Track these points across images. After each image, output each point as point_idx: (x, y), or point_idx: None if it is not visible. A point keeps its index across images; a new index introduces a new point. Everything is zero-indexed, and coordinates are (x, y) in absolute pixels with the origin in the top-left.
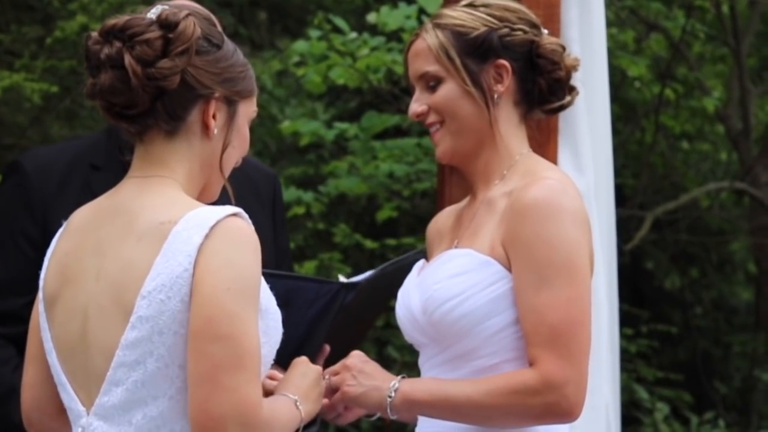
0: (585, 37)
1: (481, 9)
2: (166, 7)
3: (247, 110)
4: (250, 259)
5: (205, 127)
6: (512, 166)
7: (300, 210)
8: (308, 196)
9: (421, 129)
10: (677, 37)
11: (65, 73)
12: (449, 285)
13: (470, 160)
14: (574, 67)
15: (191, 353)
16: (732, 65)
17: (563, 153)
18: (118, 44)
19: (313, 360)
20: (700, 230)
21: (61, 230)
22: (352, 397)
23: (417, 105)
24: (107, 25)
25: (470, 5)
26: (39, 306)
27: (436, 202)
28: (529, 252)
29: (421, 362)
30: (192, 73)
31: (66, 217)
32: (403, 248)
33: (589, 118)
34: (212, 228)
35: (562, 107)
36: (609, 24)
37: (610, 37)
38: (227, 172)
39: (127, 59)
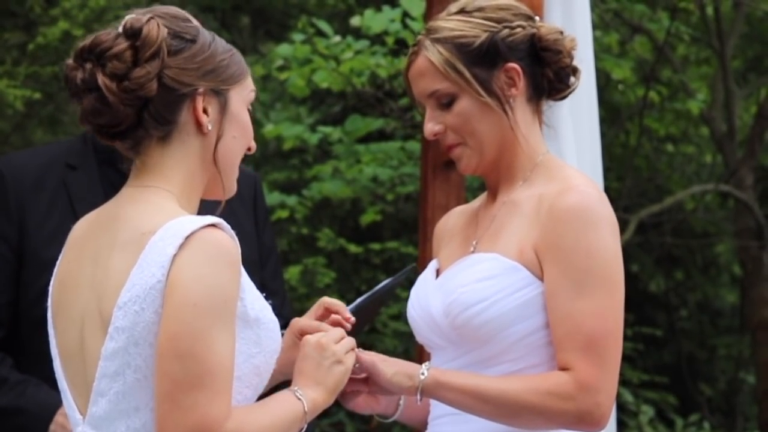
0: None
1: (476, 14)
2: (133, 15)
3: (242, 95)
4: (223, 272)
5: (198, 125)
6: (535, 168)
7: (284, 213)
8: (292, 200)
9: (405, 133)
10: (661, 40)
11: (48, 80)
12: (476, 289)
13: (493, 167)
14: (573, 48)
15: (156, 371)
16: (716, 67)
17: None
18: (89, 65)
19: None
20: (684, 233)
21: (68, 238)
22: (384, 378)
23: (433, 124)
24: (78, 47)
25: (462, 11)
26: (48, 313)
27: (419, 205)
28: (569, 259)
29: (436, 365)
30: (169, 75)
31: (42, 216)
32: (387, 252)
33: (573, 121)
34: (187, 238)
35: (571, 91)
36: (593, 27)
37: (594, 40)
38: (230, 165)
39: (100, 78)
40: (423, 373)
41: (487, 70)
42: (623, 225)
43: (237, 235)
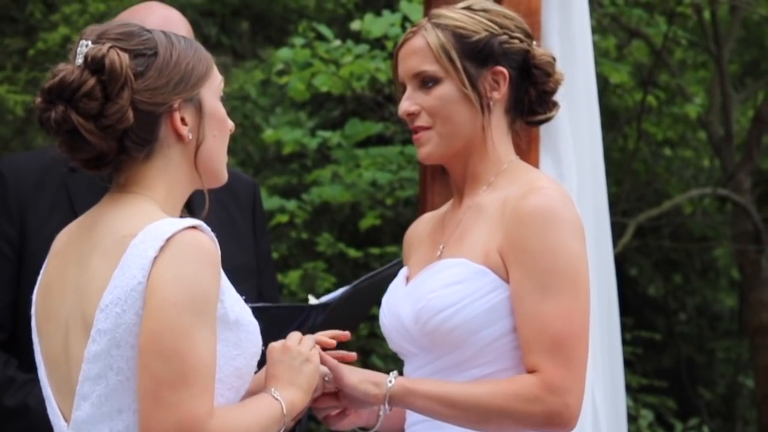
0: (566, 45)
1: (481, 13)
2: (89, 42)
3: (212, 89)
4: (204, 272)
5: (179, 136)
6: (501, 173)
7: (283, 218)
8: (291, 204)
9: (404, 137)
10: (659, 44)
11: None
12: (444, 294)
13: (455, 164)
14: (560, 82)
15: (138, 369)
16: (714, 71)
17: (545, 161)
18: (61, 107)
19: None
20: (683, 237)
21: (52, 247)
22: (350, 384)
23: (409, 103)
24: (45, 86)
25: (469, 8)
26: (32, 321)
27: (418, 209)
28: (533, 261)
29: (408, 372)
30: (142, 100)
31: (43, 217)
32: (387, 257)
33: (571, 126)
34: (168, 240)
35: (546, 120)
36: (591, 31)
37: (592, 45)
38: (218, 157)
39: (75, 119)
40: (390, 381)
41: (477, 66)
42: (621, 229)
43: (235, 241)
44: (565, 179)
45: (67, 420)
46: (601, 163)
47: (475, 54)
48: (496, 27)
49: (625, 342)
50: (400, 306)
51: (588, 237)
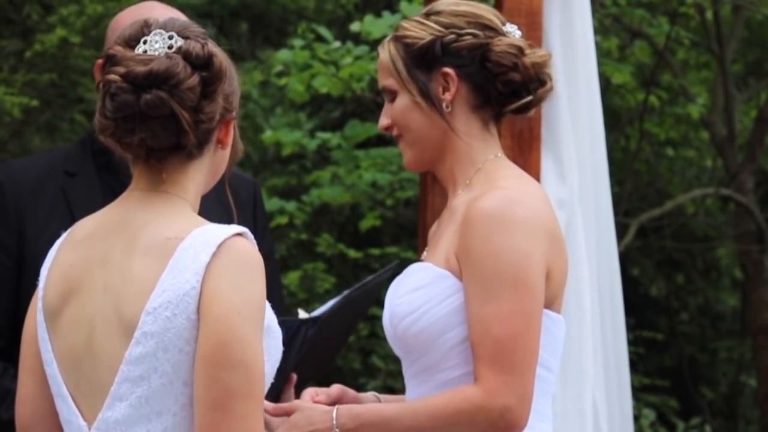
0: (568, 45)
1: (432, 18)
2: (173, 34)
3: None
4: (257, 281)
5: (221, 143)
6: (476, 173)
7: (283, 220)
8: (291, 205)
9: None
10: (661, 44)
11: (45, 87)
12: (409, 300)
13: (437, 168)
14: (539, 65)
15: (202, 378)
16: (716, 71)
17: (546, 162)
18: (160, 93)
19: (281, 391)
20: (685, 237)
21: (61, 241)
22: None
23: (383, 118)
24: (138, 72)
25: (426, 14)
26: (37, 317)
27: (418, 210)
28: (476, 263)
29: (403, 372)
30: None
31: (41, 223)
32: (387, 257)
33: (573, 126)
34: (219, 246)
35: (529, 105)
36: (593, 31)
37: (594, 45)
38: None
39: (176, 108)
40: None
41: (426, 72)
42: (623, 229)
43: None
44: (567, 179)
45: (87, 419)
46: (604, 163)
47: (420, 60)
48: (442, 29)
49: (627, 342)
50: (385, 310)
51: (588, 237)
